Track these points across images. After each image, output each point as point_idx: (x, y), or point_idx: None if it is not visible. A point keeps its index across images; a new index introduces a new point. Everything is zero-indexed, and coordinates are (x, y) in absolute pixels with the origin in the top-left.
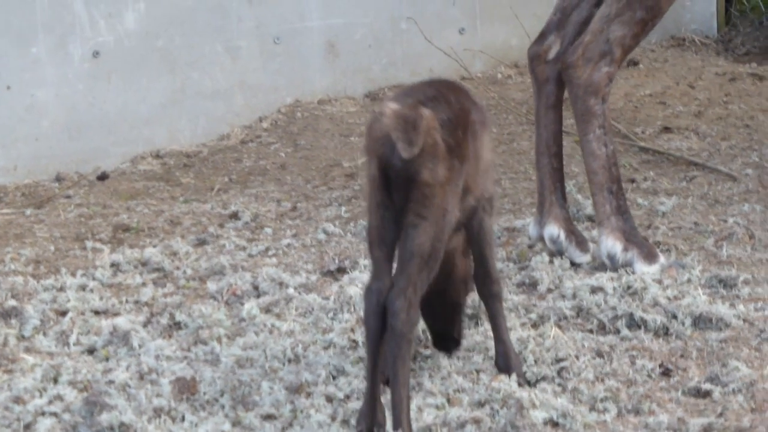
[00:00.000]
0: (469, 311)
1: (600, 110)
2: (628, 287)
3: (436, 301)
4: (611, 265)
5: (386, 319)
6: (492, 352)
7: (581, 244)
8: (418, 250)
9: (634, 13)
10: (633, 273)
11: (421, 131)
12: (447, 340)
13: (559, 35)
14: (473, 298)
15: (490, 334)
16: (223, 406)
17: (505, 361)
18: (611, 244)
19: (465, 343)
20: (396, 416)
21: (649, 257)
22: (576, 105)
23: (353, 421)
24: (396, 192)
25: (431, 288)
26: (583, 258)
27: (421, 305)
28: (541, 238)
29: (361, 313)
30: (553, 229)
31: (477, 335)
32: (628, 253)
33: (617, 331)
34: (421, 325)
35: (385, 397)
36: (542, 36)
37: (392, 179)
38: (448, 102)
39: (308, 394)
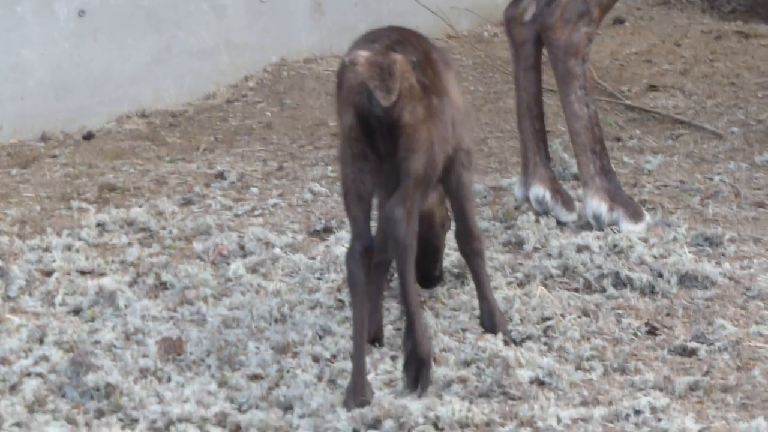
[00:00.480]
0: (455, 270)
1: (580, 71)
2: (614, 246)
3: (419, 247)
4: (597, 225)
5: (371, 278)
6: (479, 311)
7: (567, 203)
8: (413, 173)
9: None
10: (619, 232)
11: (396, 76)
12: (431, 278)
13: None
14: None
15: (475, 293)
16: (209, 366)
17: (489, 320)
18: (596, 204)
19: (451, 302)
20: (410, 324)
21: (635, 216)
22: (556, 66)
23: (339, 381)
24: (380, 139)
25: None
26: (569, 217)
27: None
28: (527, 199)
29: (348, 277)
30: (539, 190)
31: (463, 294)
32: (614, 212)
33: (603, 290)
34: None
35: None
36: None
37: (373, 127)
38: (413, 44)
39: (294, 354)
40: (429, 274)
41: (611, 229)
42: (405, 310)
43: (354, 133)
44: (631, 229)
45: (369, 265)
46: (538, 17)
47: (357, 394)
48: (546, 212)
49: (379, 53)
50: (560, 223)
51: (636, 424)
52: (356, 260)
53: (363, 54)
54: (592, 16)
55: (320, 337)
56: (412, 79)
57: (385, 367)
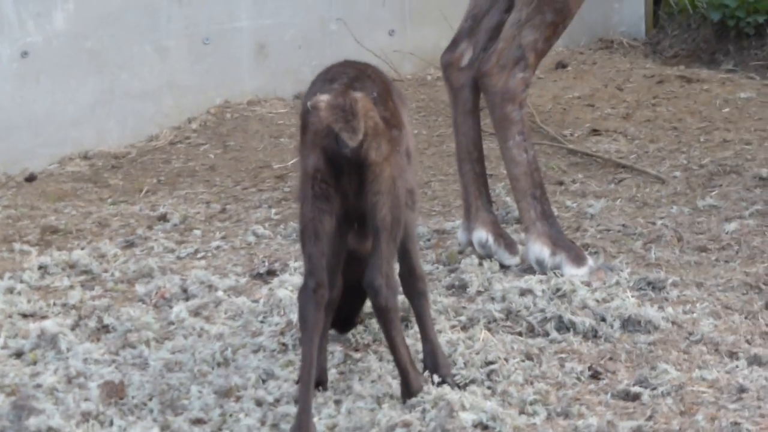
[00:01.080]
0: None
1: (518, 116)
2: (557, 290)
3: (348, 292)
4: (540, 269)
5: (323, 316)
6: (421, 354)
7: (510, 246)
8: (381, 224)
9: (543, 16)
10: (562, 276)
11: (360, 115)
12: (351, 323)
13: (471, 41)
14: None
15: (419, 336)
16: (151, 411)
17: (432, 361)
18: (539, 249)
19: None
20: (403, 374)
21: (578, 260)
22: (494, 113)
23: (283, 425)
24: (347, 178)
25: (345, 282)
26: (512, 260)
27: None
28: (471, 243)
29: (296, 314)
30: (482, 234)
31: (407, 338)
32: (557, 257)
33: (546, 334)
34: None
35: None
36: (454, 43)
37: (341, 167)
38: (371, 78)
39: (238, 398)
40: (350, 319)
41: (554, 273)
42: (397, 365)
43: (320, 174)
44: (573, 273)
45: (321, 302)
46: (475, 63)
47: None
48: (489, 256)
49: (340, 94)
50: (503, 267)
51: None
52: (309, 297)
53: (323, 98)
54: (527, 61)
55: (263, 381)
56: (376, 117)
57: (328, 411)
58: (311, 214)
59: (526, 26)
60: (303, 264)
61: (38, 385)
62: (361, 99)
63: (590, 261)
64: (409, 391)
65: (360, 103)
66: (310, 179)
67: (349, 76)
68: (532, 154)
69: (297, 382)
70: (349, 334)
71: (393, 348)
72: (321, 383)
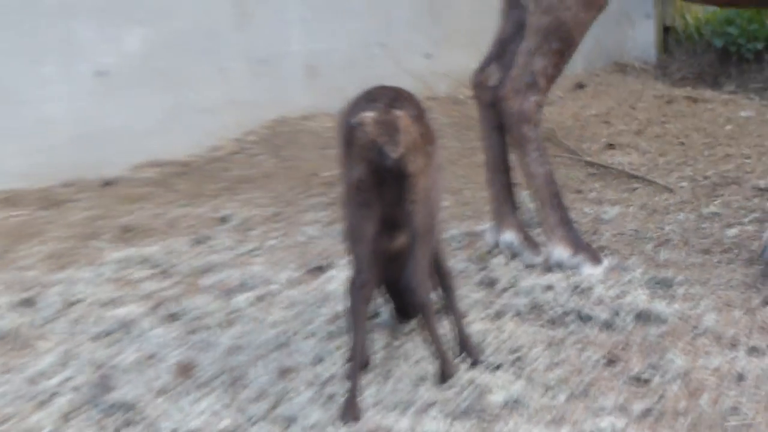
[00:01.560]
0: (435, 306)
1: (533, 135)
2: (576, 287)
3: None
4: (561, 269)
5: (367, 308)
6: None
7: (534, 247)
8: (416, 230)
9: (550, 44)
10: (579, 275)
11: (402, 130)
12: (406, 313)
13: (498, 64)
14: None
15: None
16: (216, 388)
17: (463, 347)
18: (559, 252)
19: None
20: (440, 359)
21: (594, 260)
22: (511, 132)
23: (333, 401)
24: (387, 188)
25: (395, 275)
26: (536, 260)
27: (388, 287)
28: (499, 244)
29: (347, 306)
30: (509, 236)
31: (441, 327)
32: (575, 258)
33: (567, 325)
34: (387, 317)
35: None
36: (484, 65)
37: (383, 177)
38: (407, 99)
39: (293, 378)
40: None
41: (573, 272)
42: (434, 352)
43: (363, 185)
44: (591, 273)
45: (367, 296)
46: (495, 89)
47: (350, 411)
48: (516, 255)
49: (384, 112)
50: (528, 266)
51: None
52: (357, 292)
53: (369, 115)
54: (539, 86)
55: (316, 363)
56: (415, 133)
57: (374, 389)
58: (355, 221)
59: (536, 54)
60: (351, 263)
61: (117, 365)
62: (402, 116)
63: (605, 261)
64: (444, 374)
65: (401, 120)
66: (354, 188)
67: (389, 96)
68: (548, 168)
69: (346, 364)
70: (392, 323)
71: (433, 337)
72: (367, 364)
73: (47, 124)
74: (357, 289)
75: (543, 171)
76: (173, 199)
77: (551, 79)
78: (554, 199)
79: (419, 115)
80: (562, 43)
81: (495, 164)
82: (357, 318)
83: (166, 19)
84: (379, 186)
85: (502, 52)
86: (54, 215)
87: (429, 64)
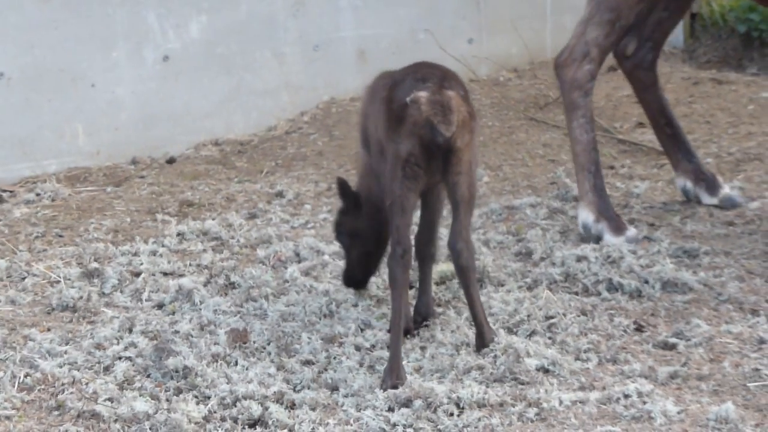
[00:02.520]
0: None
1: (583, 102)
2: (608, 257)
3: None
4: (585, 233)
5: (408, 276)
6: (494, 309)
7: (710, 188)
8: (461, 197)
9: (602, 15)
10: (610, 245)
11: (454, 110)
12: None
13: (635, 34)
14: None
15: (492, 294)
16: (269, 353)
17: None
18: (585, 215)
19: None
20: (478, 327)
21: (617, 230)
22: (564, 98)
23: (378, 367)
24: (434, 161)
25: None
26: (711, 200)
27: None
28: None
29: (388, 274)
30: (682, 181)
31: (481, 296)
32: (599, 224)
33: (598, 294)
34: (433, 288)
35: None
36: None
37: (432, 152)
38: (453, 78)
39: (340, 344)
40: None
41: (606, 244)
42: (471, 311)
43: (414, 159)
44: (612, 241)
45: (407, 265)
46: (638, 52)
47: (393, 375)
48: (691, 199)
49: (436, 91)
50: (563, 235)
51: (625, 406)
52: (397, 261)
53: (423, 94)
54: (592, 55)
55: (362, 330)
56: (464, 112)
57: (415, 355)
58: (399, 192)
59: (590, 24)
60: (391, 234)
61: (176, 332)
62: (454, 96)
63: (629, 232)
64: (483, 341)
65: (454, 100)
66: (402, 162)
67: (438, 76)
68: (592, 136)
69: (389, 332)
70: (432, 292)
71: (471, 302)
72: (408, 331)
73: (115, 105)
74: (397, 258)
75: (586, 138)
76: (231, 176)
77: (603, 49)
78: (592, 166)
79: (465, 94)
80: (612, 14)
81: (655, 119)
82: (398, 286)
83: (227, 7)
84: (427, 160)
85: (640, 23)
86: (120, 191)
87: (471, 48)
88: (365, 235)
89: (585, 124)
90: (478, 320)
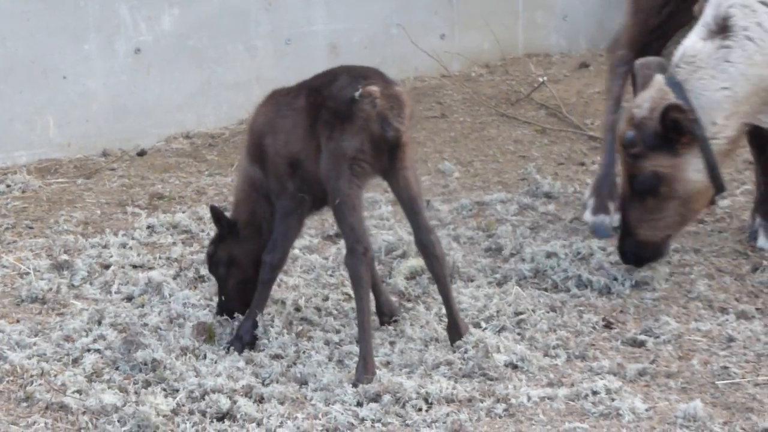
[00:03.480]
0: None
1: (610, 85)
2: (578, 253)
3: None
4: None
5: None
6: (464, 305)
7: None
8: (415, 193)
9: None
10: (582, 241)
11: (406, 105)
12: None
13: None
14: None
15: (462, 290)
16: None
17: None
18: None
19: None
20: (452, 319)
21: (597, 210)
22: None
23: (347, 361)
24: (380, 158)
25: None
26: None
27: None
28: None
29: (351, 273)
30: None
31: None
32: (590, 199)
33: (568, 290)
34: (399, 282)
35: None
36: None
37: (381, 149)
38: (387, 76)
39: (309, 339)
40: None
41: (576, 239)
42: (445, 303)
43: (362, 155)
44: (587, 218)
45: (369, 262)
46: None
47: (365, 372)
48: None
49: (387, 86)
50: (533, 231)
51: (593, 403)
52: (359, 259)
53: (376, 88)
54: (620, 41)
55: (330, 325)
56: (411, 107)
57: (384, 350)
58: (349, 190)
59: (625, 13)
60: (345, 233)
61: (145, 324)
62: (404, 91)
63: (604, 218)
64: (458, 333)
65: (404, 95)
66: (348, 160)
67: (377, 74)
68: (615, 118)
69: (358, 327)
70: (402, 287)
71: (446, 294)
72: (392, 315)
73: (87, 97)
74: (359, 256)
75: (609, 119)
76: (202, 169)
77: (629, 36)
78: (608, 145)
79: (407, 91)
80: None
81: None
82: (362, 285)
83: (198, 0)
84: (375, 156)
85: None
86: (90, 183)
87: (443, 43)
88: (243, 261)
89: (611, 106)
90: (452, 311)
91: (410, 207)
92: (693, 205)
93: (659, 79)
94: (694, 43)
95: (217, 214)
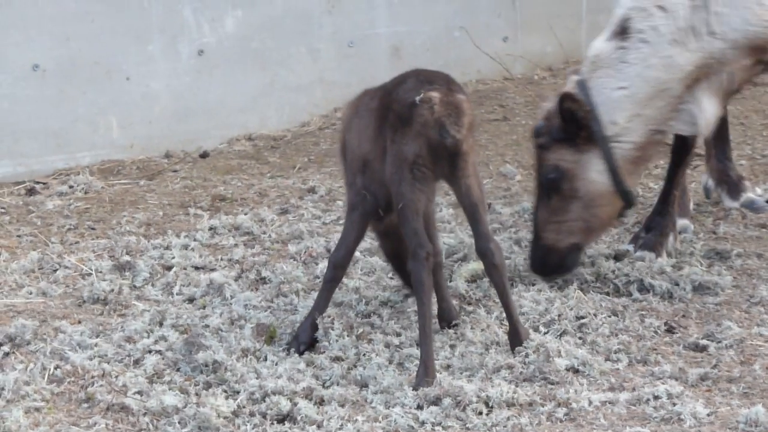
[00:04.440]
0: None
1: None
2: (639, 257)
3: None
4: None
5: (432, 278)
6: (525, 308)
7: (733, 191)
8: (477, 200)
9: None
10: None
11: (465, 113)
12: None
13: None
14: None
15: (523, 294)
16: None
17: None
18: (706, 179)
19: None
20: (512, 325)
21: (735, 192)
22: None
23: (407, 364)
24: (440, 164)
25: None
26: (732, 203)
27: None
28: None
29: (414, 277)
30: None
31: (512, 294)
32: (719, 187)
33: (629, 294)
34: (460, 285)
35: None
36: None
37: (439, 154)
38: (455, 82)
39: (369, 341)
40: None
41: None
42: (505, 310)
43: (422, 160)
44: (730, 204)
45: (431, 267)
46: None
47: (425, 376)
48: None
49: (448, 93)
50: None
51: (655, 408)
52: (421, 264)
53: (436, 95)
54: None
55: (392, 328)
56: (472, 115)
57: (444, 353)
58: (411, 195)
59: None
60: (408, 237)
61: (206, 326)
62: (465, 100)
63: (745, 195)
64: (518, 339)
65: (465, 103)
66: (409, 164)
67: (443, 79)
68: None
69: (419, 330)
70: (463, 290)
71: (505, 301)
72: (451, 321)
73: (150, 99)
74: (421, 261)
75: None
76: (264, 171)
77: None
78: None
79: (469, 99)
80: None
81: None
82: (425, 289)
83: (262, 2)
84: (435, 162)
85: None
86: (153, 184)
87: (506, 46)
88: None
89: None
90: (512, 318)
91: (471, 214)
92: (596, 211)
93: (572, 77)
94: (599, 43)
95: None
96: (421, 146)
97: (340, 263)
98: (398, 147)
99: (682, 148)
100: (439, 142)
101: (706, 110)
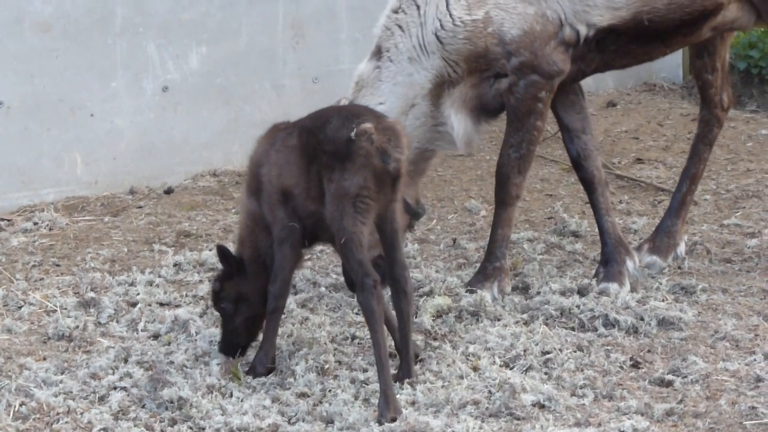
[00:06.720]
0: (471, 309)
1: None
2: (603, 292)
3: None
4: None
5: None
6: (490, 344)
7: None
8: (399, 226)
9: None
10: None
11: (402, 137)
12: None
13: None
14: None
15: (488, 329)
16: (264, 384)
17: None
18: None
19: (467, 336)
20: (407, 354)
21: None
22: None
23: (373, 400)
24: (383, 191)
25: None
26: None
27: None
28: None
29: (364, 309)
30: None
31: (477, 330)
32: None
33: (595, 329)
34: (426, 320)
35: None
36: None
37: (383, 182)
38: (376, 110)
39: (335, 377)
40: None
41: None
42: (402, 340)
43: (366, 191)
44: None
45: (380, 295)
46: None
47: (391, 409)
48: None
49: (379, 121)
50: (560, 270)
51: None
52: (370, 293)
53: (369, 125)
54: None
55: (356, 363)
56: (407, 137)
57: (409, 390)
58: (354, 228)
59: None
60: (354, 270)
61: (171, 362)
62: (396, 121)
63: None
64: (408, 373)
65: (397, 125)
66: (351, 198)
67: (366, 110)
68: None
69: (376, 364)
70: (428, 326)
71: (407, 329)
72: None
73: (114, 135)
74: (369, 290)
75: None
76: (229, 207)
77: None
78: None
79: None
80: None
81: None
82: (375, 319)
83: (226, 38)
84: (378, 191)
85: None
86: (117, 221)
87: None
88: (252, 297)
89: None
90: (408, 354)
91: (392, 241)
92: None
93: (343, 100)
94: (361, 65)
95: (223, 252)
96: (366, 178)
97: (279, 294)
98: (338, 184)
99: (586, 180)
100: (383, 168)
101: (456, 128)
